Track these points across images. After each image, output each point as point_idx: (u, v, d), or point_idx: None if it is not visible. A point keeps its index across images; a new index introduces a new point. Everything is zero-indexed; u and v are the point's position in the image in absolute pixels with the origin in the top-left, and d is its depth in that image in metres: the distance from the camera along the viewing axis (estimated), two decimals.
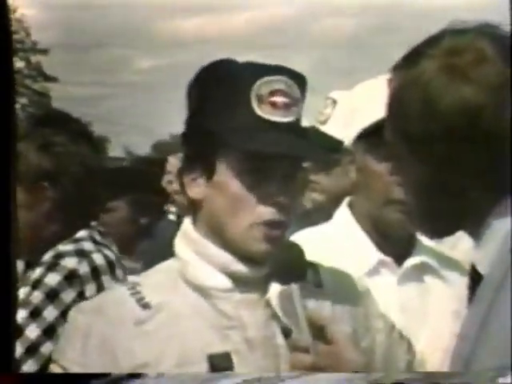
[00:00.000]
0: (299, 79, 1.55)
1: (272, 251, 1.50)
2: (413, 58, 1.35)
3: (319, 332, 1.45)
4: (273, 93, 1.51)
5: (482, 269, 1.31)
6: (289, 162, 1.52)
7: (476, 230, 1.33)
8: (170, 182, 4.58)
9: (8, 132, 1.31)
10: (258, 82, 1.50)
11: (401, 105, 1.34)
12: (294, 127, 1.53)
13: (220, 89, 1.52)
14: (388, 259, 1.93)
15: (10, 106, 1.32)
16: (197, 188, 1.53)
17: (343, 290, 1.62)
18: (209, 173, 1.52)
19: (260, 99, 1.50)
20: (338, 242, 1.94)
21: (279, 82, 1.51)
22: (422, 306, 1.91)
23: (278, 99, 1.51)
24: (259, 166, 1.49)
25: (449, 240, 2.39)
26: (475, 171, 1.30)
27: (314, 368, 1.42)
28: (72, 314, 1.55)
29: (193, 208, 1.56)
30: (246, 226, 1.49)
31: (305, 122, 2.95)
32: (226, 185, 1.50)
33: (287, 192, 1.51)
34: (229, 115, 1.50)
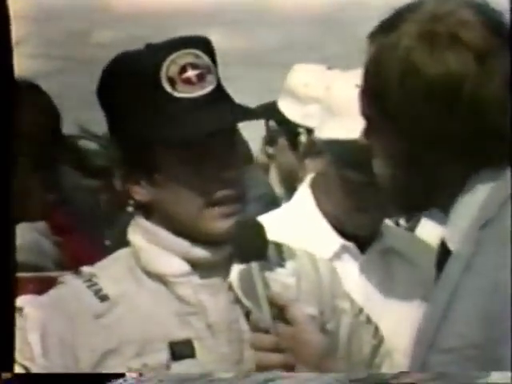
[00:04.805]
0: (203, 44, 1.50)
1: (231, 228, 1.46)
2: (392, 23, 1.31)
3: (280, 312, 1.42)
4: (182, 69, 1.45)
5: (451, 245, 1.29)
6: (224, 133, 1.48)
7: (448, 206, 1.30)
8: None
9: (8, 129, 1.29)
10: (165, 64, 1.45)
11: (379, 71, 1.30)
12: (217, 95, 1.48)
13: (129, 85, 1.46)
14: (350, 245, 1.89)
15: (9, 103, 1.30)
16: (141, 190, 1.49)
17: (307, 270, 1.58)
18: (149, 173, 1.48)
19: (172, 81, 1.45)
20: (297, 225, 1.90)
21: (185, 56, 1.46)
22: (387, 292, 1.89)
23: (190, 74, 1.46)
24: (196, 148, 1.45)
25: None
26: (451, 143, 1.27)
27: (275, 349, 1.40)
28: (27, 310, 1.48)
29: (142, 205, 1.52)
30: (199, 209, 1.46)
31: (268, 98, 2.97)
32: (168, 180, 1.46)
33: (230, 164, 1.47)
34: (148, 109, 1.45)
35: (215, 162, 1.46)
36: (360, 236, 1.90)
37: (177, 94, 1.45)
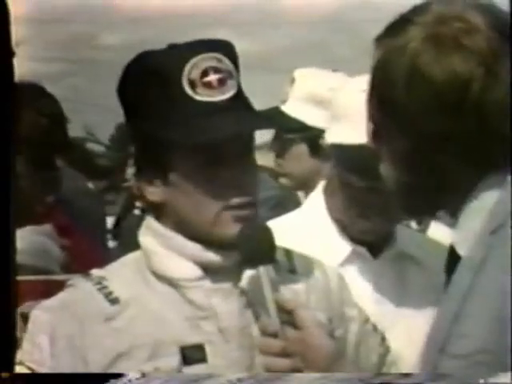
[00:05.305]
0: (226, 48, 1.50)
1: (244, 233, 1.45)
2: (398, 26, 1.31)
3: (288, 317, 1.41)
4: (204, 73, 1.45)
5: (461, 250, 1.28)
6: (241, 139, 1.47)
7: (456, 210, 1.30)
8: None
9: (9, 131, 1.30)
10: (187, 67, 1.44)
11: (386, 75, 1.30)
12: (237, 101, 1.48)
13: (150, 84, 1.46)
14: (362, 250, 1.88)
15: (8, 101, 1.30)
16: (154, 189, 1.48)
17: (316, 277, 1.58)
18: (163, 174, 1.47)
19: (193, 83, 1.45)
20: (309, 230, 1.88)
21: (207, 60, 1.46)
22: (399, 298, 1.86)
23: (212, 78, 1.45)
24: (211, 152, 1.44)
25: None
26: (459, 146, 1.26)
27: (283, 353, 1.39)
28: (35, 312, 1.48)
29: (154, 207, 1.51)
30: (213, 213, 1.45)
31: (272, 102, 2.94)
32: (183, 182, 1.46)
33: (245, 169, 1.47)
34: (167, 110, 1.45)
35: (231, 167, 1.45)
36: (370, 241, 1.88)
37: (197, 97, 1.45)
